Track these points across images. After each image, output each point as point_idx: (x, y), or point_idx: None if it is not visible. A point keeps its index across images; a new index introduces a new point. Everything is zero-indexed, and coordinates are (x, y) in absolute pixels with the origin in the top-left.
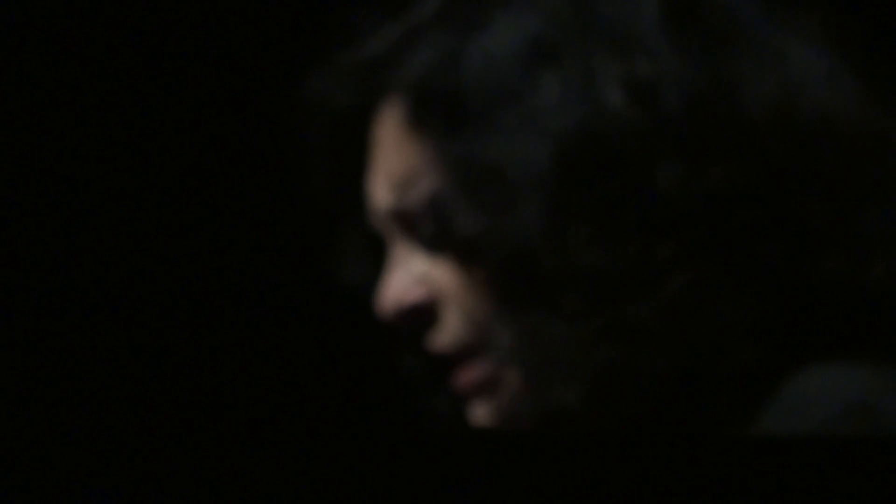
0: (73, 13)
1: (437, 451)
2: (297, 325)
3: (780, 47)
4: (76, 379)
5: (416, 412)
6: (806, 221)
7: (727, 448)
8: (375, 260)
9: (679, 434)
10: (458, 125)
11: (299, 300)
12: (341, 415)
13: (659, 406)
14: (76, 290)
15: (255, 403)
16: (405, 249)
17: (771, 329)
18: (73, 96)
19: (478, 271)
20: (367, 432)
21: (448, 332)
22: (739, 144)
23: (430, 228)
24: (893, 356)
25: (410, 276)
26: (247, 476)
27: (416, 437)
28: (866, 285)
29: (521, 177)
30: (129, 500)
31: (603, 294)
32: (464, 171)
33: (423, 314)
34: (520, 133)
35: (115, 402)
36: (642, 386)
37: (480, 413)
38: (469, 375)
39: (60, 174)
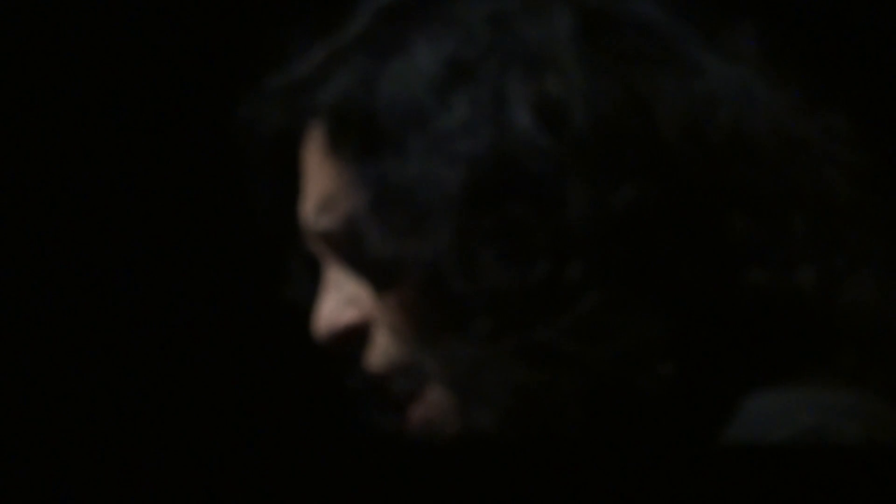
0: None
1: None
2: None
3: (694, 63)
4: (76, 378)
5: (362, 426)
6: (724, 235)
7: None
8: (316, 281)
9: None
10: (372, 148)
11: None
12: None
13: (577, 428)
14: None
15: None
16: (336, 271)
17: (693, 346)
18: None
19: (396, 293)
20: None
21: (379, 353)
22: (651, 162)
23: (350, 250)
24: (836, 372)
25: (342, 298)
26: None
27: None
28: (794, 295)
29: (431, 199)
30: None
31: (513, 316)
32: (377, 193)
33: (355, 336)
34: (431, 156)
35: (114, 403)
36: (558, 408)
37: (414, 429)
38: (412, 415)
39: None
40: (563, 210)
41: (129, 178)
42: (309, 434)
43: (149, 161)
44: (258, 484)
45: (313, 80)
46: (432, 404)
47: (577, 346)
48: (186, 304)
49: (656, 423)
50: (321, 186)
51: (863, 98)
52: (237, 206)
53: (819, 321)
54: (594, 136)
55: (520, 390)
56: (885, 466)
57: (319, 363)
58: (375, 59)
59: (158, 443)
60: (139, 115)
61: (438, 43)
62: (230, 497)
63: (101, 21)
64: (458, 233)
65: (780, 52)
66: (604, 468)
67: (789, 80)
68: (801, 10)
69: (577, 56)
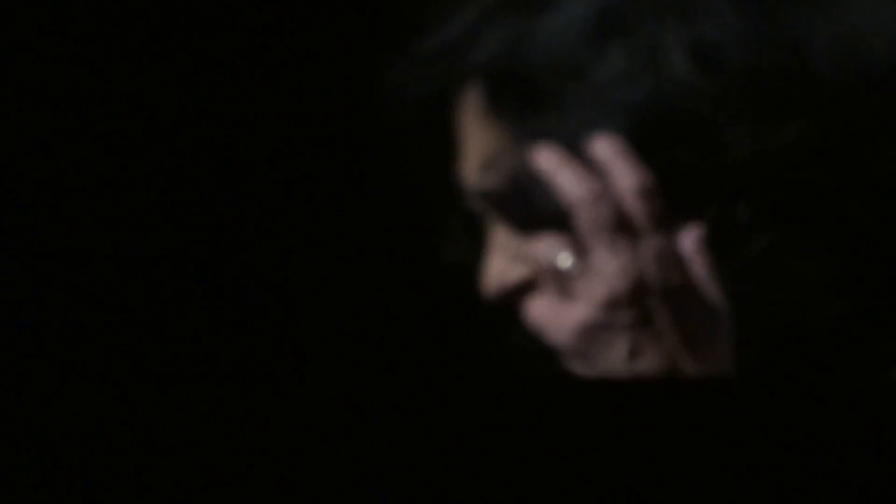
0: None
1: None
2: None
3: None
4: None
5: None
6: (883, 172)
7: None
8: (476, 240)
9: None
10: (533, 104)
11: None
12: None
13: (755, 370)
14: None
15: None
16: (500, 229)
17: (860, 284)
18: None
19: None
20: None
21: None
22: (809, 100)
23: (515, 207)
24: None
25: (508, 256)
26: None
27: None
28: None
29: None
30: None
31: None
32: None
33: (524, 292)
34: (591, 107)
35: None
36: (735, 351)
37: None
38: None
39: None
40: (726, 152)
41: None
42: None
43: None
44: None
45: (467, 41)
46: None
47: (750, 288)
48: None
49: (834, 364)
50: (483, 146)
51: None
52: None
53: None
54: (751, 77)
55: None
56: None
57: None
58: (527, 16)
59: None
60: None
61: None
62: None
63: None
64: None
65: None
66: (781, 409)
67: None
68: None
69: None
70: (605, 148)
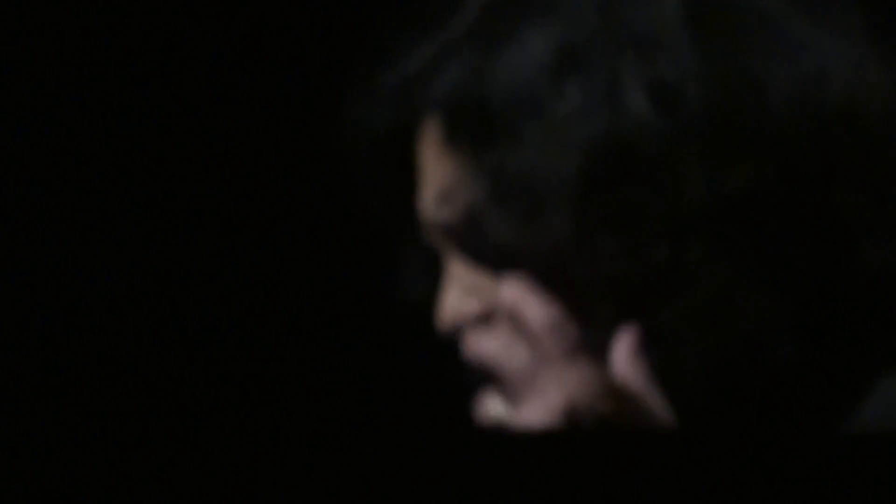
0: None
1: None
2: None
3: (804, 39)
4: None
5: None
6: (836, 213)
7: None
8: (434, 274)
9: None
10: (489, 138)
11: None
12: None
13: (698, 413)
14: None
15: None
16: (457, 263)
17: (813, 326)
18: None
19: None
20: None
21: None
22: (765, 141)
23: (470, 241)
24: None
25: (464, 289)
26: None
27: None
28: None
29: (549, 186)
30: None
31: (634, 301)
32: (495, 182)
33: (477, 326)
34: (547, 142)
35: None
36: (680, 391)
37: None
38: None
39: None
40: (680, 192)
41: (238, 177)
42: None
43: (257, 159)
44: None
45: (426, 74)
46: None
47: (698, 329)
48: (303, 305)
49: (781, 406)
50: (440, 178)
51: None
52: (345, 204)
53: None
54: (708, 117)
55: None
56: None
57: (436, 357)
58: (487, 50)
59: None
60: (248, 111)
61: (548, 30)
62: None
63: (204, 17)
64: (577, 218)
65: (889, 29)
66: (727, 453)
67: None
68: None
69: (687, 37)
70: (512, 291)
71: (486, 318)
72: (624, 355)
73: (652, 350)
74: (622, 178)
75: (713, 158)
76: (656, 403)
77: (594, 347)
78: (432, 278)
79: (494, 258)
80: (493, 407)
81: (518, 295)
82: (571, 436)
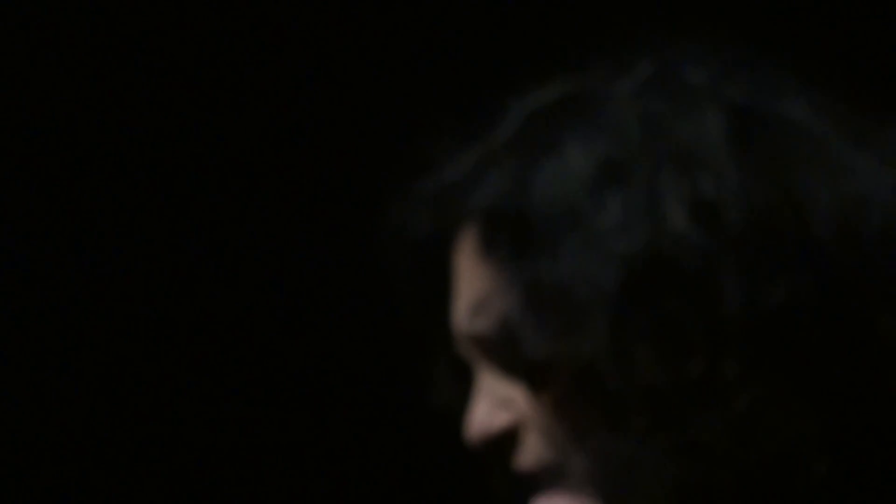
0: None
1: None
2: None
3: (845, 163)
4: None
5: None
6: (874, 335)
7: None
8: (465, 385)
9: None
10: (526, 249)
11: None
12: None
13: None
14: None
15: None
16: (487, 374)
17: (848, 446)
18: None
19: (550, 394)
20: None
21: (529, 453)
22: (804, 260)
23: (503, 352)
24: None
25: (493, 402)
26: None
27: None
28: None
29: (587, 298)
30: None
31: (668, 414)
32: (531, 293)
33: (507, 439)
34: (585, 254)
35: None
36: None
37: None
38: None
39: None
40: (717, 307)
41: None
42: None
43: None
44: None
45: (466, 183)
46: None
47: (731, 445)
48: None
49: None
50: (475, 288)
51: None
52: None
53: None
54: (748, 234)
55: (675, 489)
56: None
57: (466, 467)
58: (528, 161)
59: None
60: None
61: (590, 143)
62: None
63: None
64: (613, 331)
65: None
66: None
67: None
68: None
69: (729, 154)
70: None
71: (515, 431)
72: None
73: (683, 465)
74: (660, 292)
75: (751, 275)
76: None
77: (626, 459)
78: (463, 391)
79: (528, 370)
80: None
81: None
82: None
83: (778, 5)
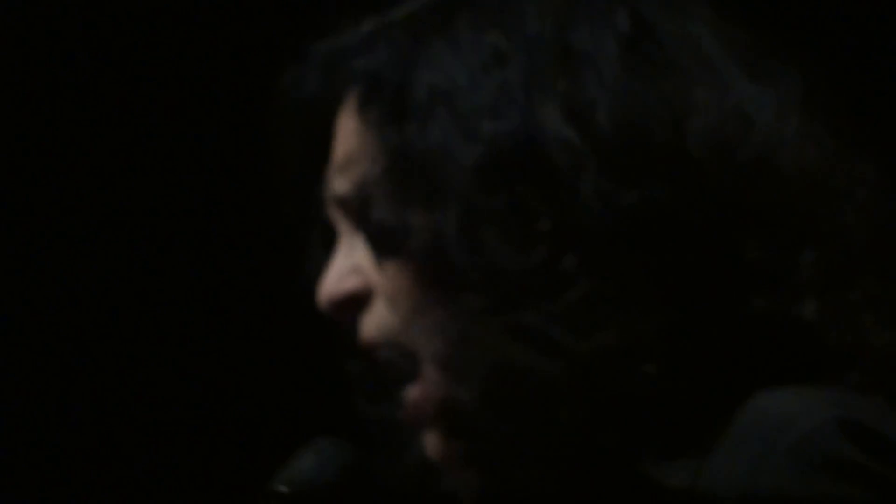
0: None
1: None
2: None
3: (733, 83)
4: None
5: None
6: (735, 256)
7: None
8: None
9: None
10: (398, 117)
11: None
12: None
13: (560, 419)
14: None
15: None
16: (346, 240)
17: (684, 354)
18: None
19: (397, 264)
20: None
21: (373, 322)
22: (670, 171)
23: (358, 216)
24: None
25: (347, 267)
26: None
27: None
28: (794, 325)
29: (445, 174)
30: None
31: (506, 296)
32: (394, 161)
33: (354, 305)
34: (452, 131)
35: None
36: (540, 394)
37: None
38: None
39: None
40: (570, 201)
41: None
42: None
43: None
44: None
45: (357, 48)
46: (427, 388)
47: (563, 334)
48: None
49: (641, 424)
50: (344, 147)
51: None
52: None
53: (818, 354)
54: (617, 137)
55: (504, 370)
56: None
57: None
58: (418, 37)
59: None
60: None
61: (481, 31)
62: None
63: None
64: (466, 208)
65: (822, 95)
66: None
67: (826, 121)
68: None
69: (619, 60)
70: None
71: (364, 298)
72: None
73: (515, 348)
74: (517, 178)
75: (610, 175)
76: None
77: (462, 336)
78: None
79: (378, 236)
80: None
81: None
82: None
83: None
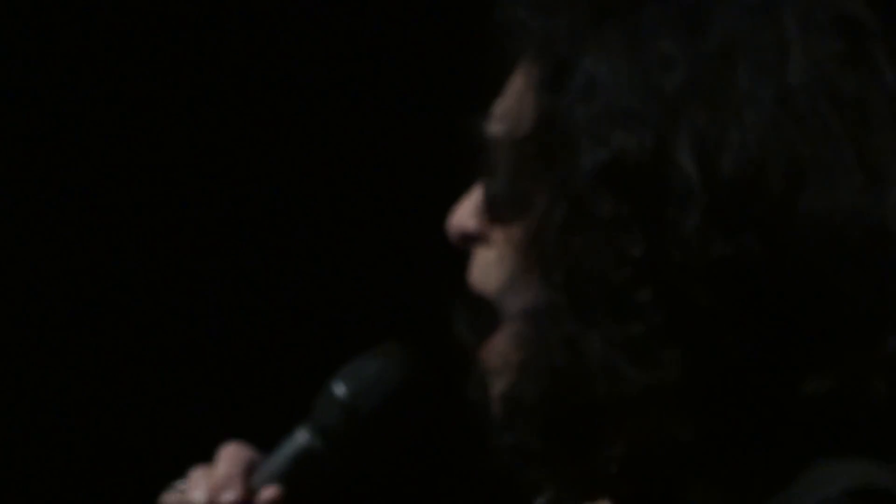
0: None
1: None
2: None
3: (877, 158)
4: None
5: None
6: (814, 329)
7: None
8: None
9: None
10: (554, 91)
11: None
12: None
13: (605, 445)
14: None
15: None
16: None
17: (741, 407)
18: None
19: (508, 229)
20: None
21: (480, 268)
22: (776, 233)
23: (490, 168)
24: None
25: (475, 207)
26: None
27: None
28: (858, 410)
29: (569, 164)
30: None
31: (580, 306)
32: (537, 129)
33: (474, 241)
34: (589, 123)
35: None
36: (588, 412)
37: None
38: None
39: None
40: (668, 236)
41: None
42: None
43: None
44: None
45: (539, 9)
46: (499, 346)
47: (622, 362)
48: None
49: (681, 475)
50: (508, 97)
51: None
52: None
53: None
54: (734, 183)
55: (564, 378)
56: None
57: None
58: (599, 19)
59: None
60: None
61: (660, 33)
62: None
63: None
64: (573, 207)
65: None
66: None
67: None
68: None
69: (769, 109)
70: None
71: (479, 240)
72: None
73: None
74: (627, 195)
75: (715, 221)
76: None
77: (535, 324)
78: None
79: (493, 199)
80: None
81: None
82: None
83: None
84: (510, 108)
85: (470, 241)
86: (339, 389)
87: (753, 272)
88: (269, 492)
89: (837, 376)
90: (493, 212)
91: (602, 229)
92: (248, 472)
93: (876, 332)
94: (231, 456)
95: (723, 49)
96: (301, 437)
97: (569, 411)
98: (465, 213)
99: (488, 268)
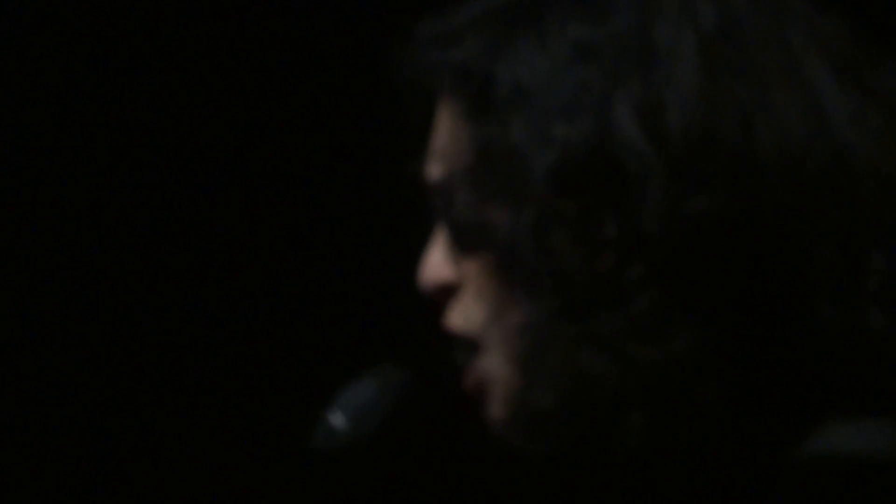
0: None
1: None
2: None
3: (816, 85)
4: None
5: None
6: (805, 262)
7: None
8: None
9: None
10: (484, 112)
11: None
12: None
13: (631, 430)
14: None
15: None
16: (441, 224)
17: (752, 368)
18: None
19: (480, 260)
20: None
21: (460, 313)
22: (740, 178)
23: (444, 207)
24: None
25: (447, 255)
26: None
27: None
28: (862, 336)
29: (521, 173)
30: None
31: (577, 302)
32: (478, 155)
33: (448, 292)
34: (530, 132)
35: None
36: (613, 403)
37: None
38: (469, 379)
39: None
40: (638, 208)
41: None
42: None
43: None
44: None
45: (448, 39)
46: (499, 384)
47: (633, 343)
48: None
49: (709, 438)
50: (439, 136)
51: None
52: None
53: (886, 366)
54: (686, 141)
55: (577, 377)
56: None
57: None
58: (508, 31)
59: None
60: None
61: (569, 23)
62: None
63: None
64: (539, 211)
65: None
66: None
67: None
68: None
69: (696, 59)
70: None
71: (455, 287)
72: None
73: (588, 356)
74: (587, 183)
75: (679, 181)
76: None
77: (539, 339)
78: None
79: (459, 230)
80: None
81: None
82: None
83: None
84: (444, 146)
85: (447, 291)
86: (337, 420)
87: (729, 221)
88: None
89: (836, 305)
90: (461, 245)
91: (573, 226)
92: None
93: (859, 249)
94: None
95: (631, 17)
96: None
97: (590, 405)
98: (436, 265)
99: (467, 308)
